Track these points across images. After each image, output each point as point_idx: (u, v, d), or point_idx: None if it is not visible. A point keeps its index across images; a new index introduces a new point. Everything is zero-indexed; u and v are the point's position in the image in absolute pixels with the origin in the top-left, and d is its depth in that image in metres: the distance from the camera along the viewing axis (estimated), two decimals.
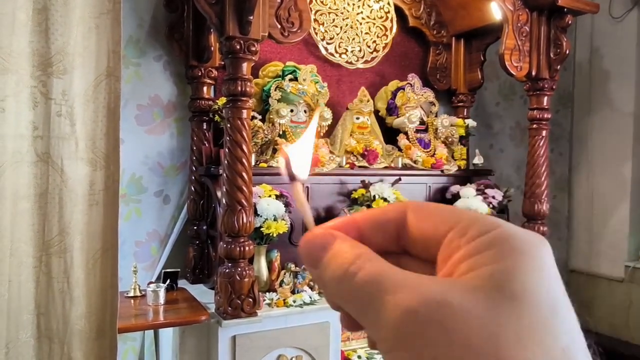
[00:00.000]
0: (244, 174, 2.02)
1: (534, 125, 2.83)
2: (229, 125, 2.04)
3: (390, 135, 2.94)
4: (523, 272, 0.22)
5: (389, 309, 0.22)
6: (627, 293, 3.56)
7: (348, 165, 2.65)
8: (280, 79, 2.56)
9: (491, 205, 2.85)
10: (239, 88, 2.01)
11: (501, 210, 2.94)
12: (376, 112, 2.94)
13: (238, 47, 2.00)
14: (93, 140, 1.29)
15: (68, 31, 1.23)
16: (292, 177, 0.31)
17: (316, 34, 2.79)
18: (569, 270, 3.92)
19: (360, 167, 2.68)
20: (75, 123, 1.26)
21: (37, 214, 1.27)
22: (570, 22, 2.71)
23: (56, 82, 1.25)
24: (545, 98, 2.80)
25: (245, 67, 2.04)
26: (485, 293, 0.21)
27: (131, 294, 2.18)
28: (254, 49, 2.03)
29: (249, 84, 2.03)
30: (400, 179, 2.73)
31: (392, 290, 0.22)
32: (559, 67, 2.75)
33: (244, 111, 2.04)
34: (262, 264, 2.31)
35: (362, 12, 2.91)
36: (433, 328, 0.21)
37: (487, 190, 2.91)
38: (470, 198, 2.82)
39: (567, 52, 2.71)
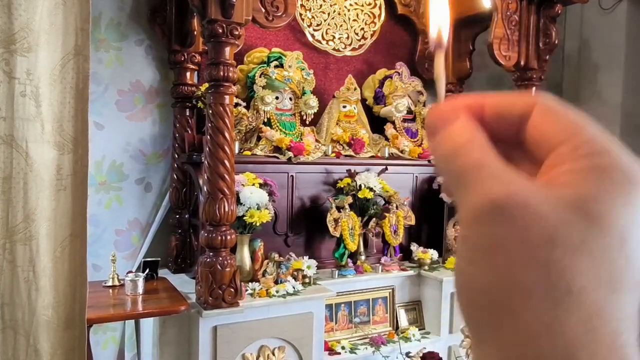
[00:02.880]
0: (225, 161, 1.98)
1: None
2: (210, 111, 1.98)
3: (378, 124, 2.91)
4: (609, 201, 0.23)
5: (477, 195, 0.24)
6: None
7: (334, 154, 2.61)
8: (265, 65, 2.50)
9: None
10: (222, 73, 1.95)
11: None
12: (363, 100, 2.90)
13: (220, 30, 1.94)
14: (60, 123, 1.23)
15: (33, 6, 1.16)
16: (440, 45, 0.31)
17: (302, 20, 2.74)
18: None
19: (346, 156, 2.65)
20: (41, 104, 1.20)
21: (0, 199, 1.22)
22: (559, 11, 2.69)
23: (20, 60, 1.19)
24: (534, 89, 2.77)
25: (228, 51, 1.98)
26: (565, 207, 0.23)
27: (109, 284, 2.13)
28: (237, 32, 1.97)
29: (231, 69, 1.98)
30: (386, 169, 2.70)
31: (485, 178, 0.24)
32: (547, 57, 2.73)
33: (227, 97, 1.99)
34: (245, 253, 2.27)
35: None
36: (505, 219, 0.23)
37: None
38: None
39: (556, 42, 2.68)
